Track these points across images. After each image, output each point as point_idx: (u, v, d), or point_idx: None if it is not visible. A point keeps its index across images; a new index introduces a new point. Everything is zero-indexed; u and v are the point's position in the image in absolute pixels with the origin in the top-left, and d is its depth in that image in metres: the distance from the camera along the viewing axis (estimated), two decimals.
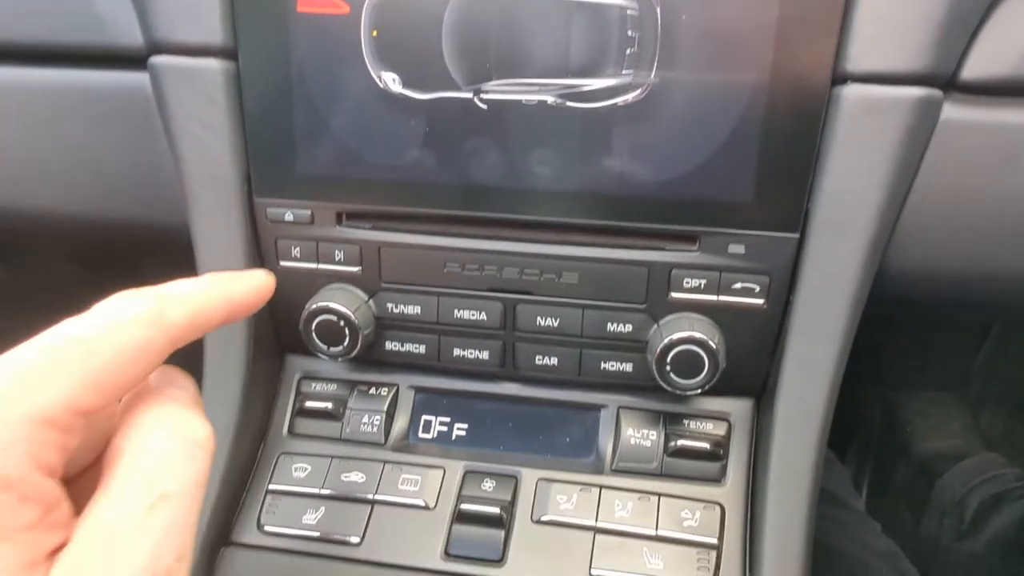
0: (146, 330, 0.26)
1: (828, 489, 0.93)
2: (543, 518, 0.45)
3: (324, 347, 0.47)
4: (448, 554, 0.44)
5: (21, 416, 0.22)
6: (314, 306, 0.46)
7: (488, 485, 0.46)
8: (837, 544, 0.76)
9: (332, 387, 0.51)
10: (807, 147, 0.40)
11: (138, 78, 0.47)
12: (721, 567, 0.42)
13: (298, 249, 0.47)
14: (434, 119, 0.42)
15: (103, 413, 0.26)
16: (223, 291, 0.31)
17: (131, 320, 0.26)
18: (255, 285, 0.34)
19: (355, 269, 0.47)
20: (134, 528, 0.23)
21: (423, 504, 0.46)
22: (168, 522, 0.23)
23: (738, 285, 0.43)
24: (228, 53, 0.44)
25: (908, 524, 1.01)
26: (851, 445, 1.14)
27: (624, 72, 0.40)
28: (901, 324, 1.06)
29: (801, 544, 0.41)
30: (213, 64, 0.44)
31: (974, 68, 0.39)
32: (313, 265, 0.47)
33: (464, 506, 0.45)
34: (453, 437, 0.49)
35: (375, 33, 0.41)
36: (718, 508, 0.44)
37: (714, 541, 0.43)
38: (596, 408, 0.48)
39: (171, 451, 0.25)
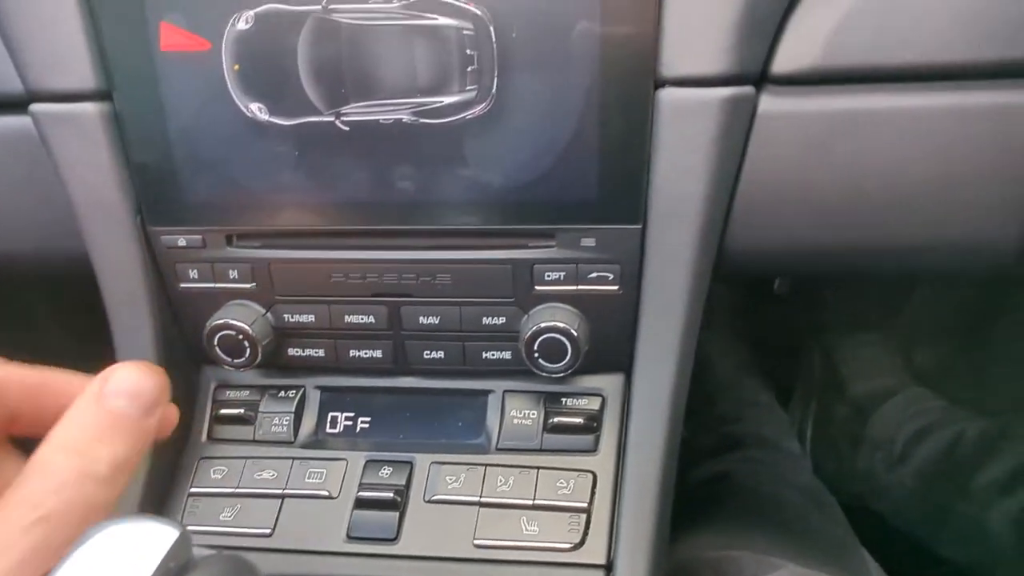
0: None
1: (761, 433, 0.99)
2: (434, 497, 0.49)
3: (228, 359, 0.50)
4: (350, 537, 0.48)
5: None
6: (214, 323, 0.49)
7: (385, 472, 0.50)
8: (756, 486, 0.82)
9: (245, 393, 0.55)
10: (639, 148, 0.43)
11: (27, 121, 0.50)
12: (591, 527, 0.47)
13: (195, 271, 0.51)
14: (302, 143, 0.45)
15: None
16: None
17: None
18: None
19: (249, 286, 0.50)
20: (4, 544, 0.26)
21: (327, 494, 0.50)
22: (40, 542, 0.27)
23: (594, 275, 0.47)
24: (103, 95, 0.46)
25: (847, 461, 1.07)
26: (795, 391, 1.20)
27: (468, 88, 0.43)
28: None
29: (654, 500, 0.45)
30: (89, 108, 0.46)
31: (783, 63, 0.42)
32: (210, 284, 0.51)
33: (362, 493, 0.49)
34: (358, 430, 0.53)
35: (237, 67, 0.44)
36: (590, 475, 0.48)
37: (584, 505, 0.47)
38: (484, 393, 0.52)
39: (63, 472, 0.27)
